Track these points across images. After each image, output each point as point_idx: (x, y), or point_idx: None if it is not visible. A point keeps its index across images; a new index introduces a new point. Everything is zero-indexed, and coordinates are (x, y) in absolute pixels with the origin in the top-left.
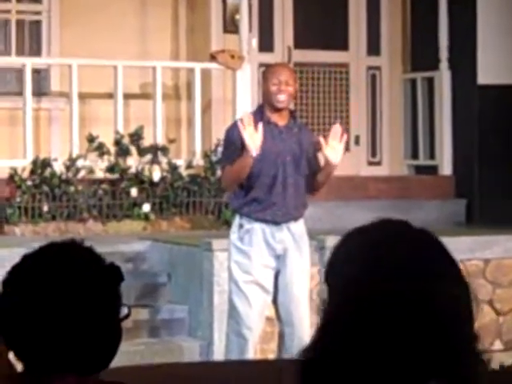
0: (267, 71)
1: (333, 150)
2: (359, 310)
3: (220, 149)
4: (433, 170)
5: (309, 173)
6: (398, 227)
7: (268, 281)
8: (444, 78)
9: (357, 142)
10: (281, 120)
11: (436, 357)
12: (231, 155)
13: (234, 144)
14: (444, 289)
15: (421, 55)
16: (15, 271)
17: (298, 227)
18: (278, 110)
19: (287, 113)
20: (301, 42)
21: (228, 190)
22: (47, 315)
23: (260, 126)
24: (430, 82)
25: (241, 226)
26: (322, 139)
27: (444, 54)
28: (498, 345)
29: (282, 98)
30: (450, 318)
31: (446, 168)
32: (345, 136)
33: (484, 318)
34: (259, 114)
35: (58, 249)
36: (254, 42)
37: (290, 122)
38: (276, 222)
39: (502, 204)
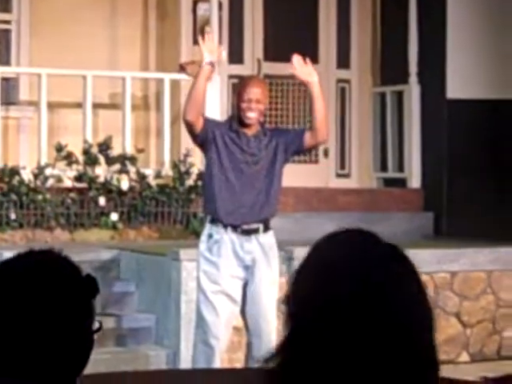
0: (240, 87)
1: (303, 72)
2: (323, 319)
3: (189, 159)
4: (401, 182)
5: (306, 138)
6: (367, 239)
7: (236, 291)
8: (413, 91)
9: (326, 154)
10: (250, 130)
11: (394, 364)
12: None
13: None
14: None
15: (390, 69)
16: None
17: (267, 238)
18: (246, 125)
19: (257, 124)
20: (271, 54)
21: (189, 116)
22: (19, 323)
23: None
24: (399, 95)
25: (210, 236)
26: (292, 71)
27: (413, 68)
28: (464, 357)
29: (252, 116)
30: (409, 326)
31: (415, 181)
32: (308, 60)
33: (451, 330)
34: (229, 124)
35: (36, 256)
36: (224, 54)
37: (258, 132)
38: (244, 231)
39: (469, 217)
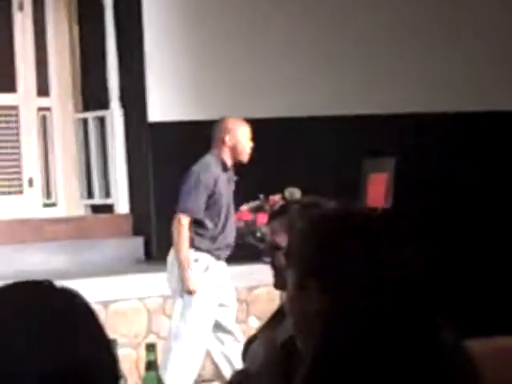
0: None
1: None
2: None
3: None
4: (109, 208)
5: None
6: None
7: None
8: (115, 116)
9: (30, 184)
10: None
11: None
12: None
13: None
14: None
15: (92, 94)
16: None
17: None
18: None
19: None
20: None
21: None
22: None
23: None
24: (102, 121)
25: None
26: None
27: (114, 93)
28: None
29: None
30: None
31: (122, 206)
32: None
33: None
34: None
35: None
36: None
37: None
38: None
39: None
